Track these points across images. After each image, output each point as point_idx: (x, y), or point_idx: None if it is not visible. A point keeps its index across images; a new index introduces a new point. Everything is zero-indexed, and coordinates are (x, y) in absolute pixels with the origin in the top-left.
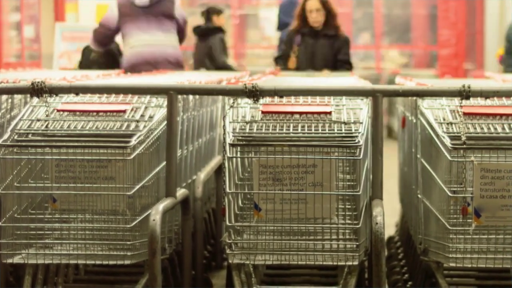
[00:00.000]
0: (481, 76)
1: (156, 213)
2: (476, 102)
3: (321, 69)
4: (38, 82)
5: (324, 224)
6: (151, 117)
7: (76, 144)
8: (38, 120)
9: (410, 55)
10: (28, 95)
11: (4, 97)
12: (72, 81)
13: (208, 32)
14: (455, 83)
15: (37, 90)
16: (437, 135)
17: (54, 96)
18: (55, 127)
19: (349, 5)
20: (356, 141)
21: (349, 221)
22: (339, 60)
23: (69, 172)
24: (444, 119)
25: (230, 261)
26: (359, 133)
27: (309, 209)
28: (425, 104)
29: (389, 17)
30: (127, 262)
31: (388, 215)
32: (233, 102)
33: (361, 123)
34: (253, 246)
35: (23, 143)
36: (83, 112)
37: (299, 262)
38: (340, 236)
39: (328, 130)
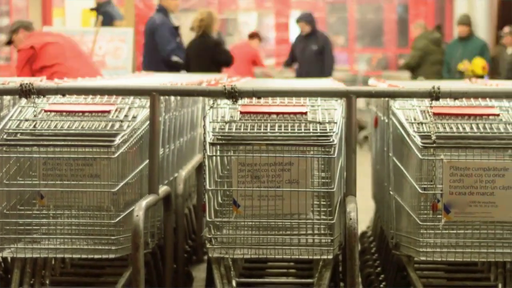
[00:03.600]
0: None
1: (139, 209)
2: (445, 103)
3: None
4: (26, 83)
5: (300, 219)
6: (134, 117)
7: (62, 143)
8: (27, 120)
9: (383, 57)
10: (17, 96)
11: None
12: (59, 83)
13: None
14: (426, 85)
15: (25, 92)
16: (408, 135)
17: (42, 97)
18: (43, 126)
19: (324, 10)
20: (331, 140)
21: (324, 217)
22: None
23: (56, 170)
24: (415, 119)
25: (210, 255)
26: (333, 132)
27: (286, 205)
28: (396, 104)
29: (362, 21)
30: (111, 256)
31: (362, 211)
32: (213, 103)
33: (335, 123)
34: (232, 241)
35: (12, 142)
36: (69, 112)
37: (276, 256)
38: (316, 231)
39: (304, 129)
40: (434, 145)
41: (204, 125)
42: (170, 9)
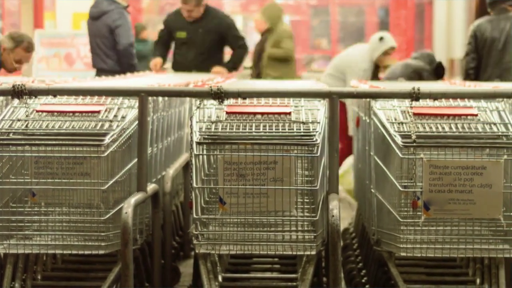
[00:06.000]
0: None
1: (128, 206)
2: (425, 103)
3: None
4: (19, 84)
5: (284, 216)
6: (123, 117)
7: (54, 142)
8: (19, 120)
9: None
10: (9, 97)
11: None
12: (50, 84)
13: None
14: (406, 86)
15: (18, 92)
16: (389, 134)
17: (34, 97)
18: (35, 126)
19: (307, 13)
20: (314, 139)
21: (307, 214)
22: None
23: (47, 168)
24: (395, 119)
25: (197, 251)
26: (316, 132)
27: (270, 203)
28: (378, 105)
29: (344, 24)
30: (101, 252)
31: (344, 208)
32: (200, 103)
33: (318, 122)
34: (218, 237)
35: (5, 142)
36: (60, 112)
37: (261, 252)
38: (299, 228)
39: (288, 129)
40: (414, 144)
41: (191, 125)
42: None
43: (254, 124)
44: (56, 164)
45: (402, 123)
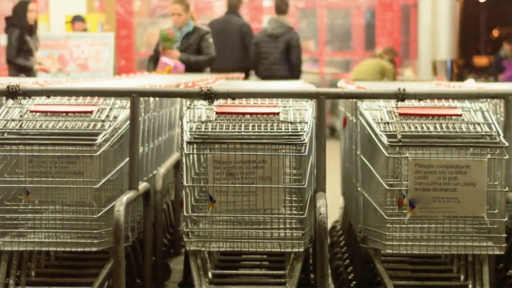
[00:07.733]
0: None
1: (120, 204)
2: (410, 104)
3: None
4: (13, 85)
5: (272, 214)
6: (115, 117)
7: (47, 142)
8: (13, 120)
9: (351, 60)
10: (4, 97)
11: None
12: (44, 85)
13: None
14: (392, 86)
15: (12, 93)
16: (375, 134)
17: (28, 98)
18: (29, 126)
19: (295, 16)
20: (302, 139)
21: (295, 212)
22: None
23: (41, 167)
24: (381, 119)
25: (187, 248)
26: (304, 131)
27: (259, 201)
28: (364, 105)
29: (332, 27)
30: (93, 249)
31: (331, 206)
32: (190, 104)
33: (306, 122)
34: (208, 235)
35: None
36: (53, 112)
37: (250, 249)
38: (287, 226)
39: (276, 129)
40: (400, 143)
41: (182, 125)
42: None
43: (243, 124)
44: (50, 163)
45: (388, 123)
